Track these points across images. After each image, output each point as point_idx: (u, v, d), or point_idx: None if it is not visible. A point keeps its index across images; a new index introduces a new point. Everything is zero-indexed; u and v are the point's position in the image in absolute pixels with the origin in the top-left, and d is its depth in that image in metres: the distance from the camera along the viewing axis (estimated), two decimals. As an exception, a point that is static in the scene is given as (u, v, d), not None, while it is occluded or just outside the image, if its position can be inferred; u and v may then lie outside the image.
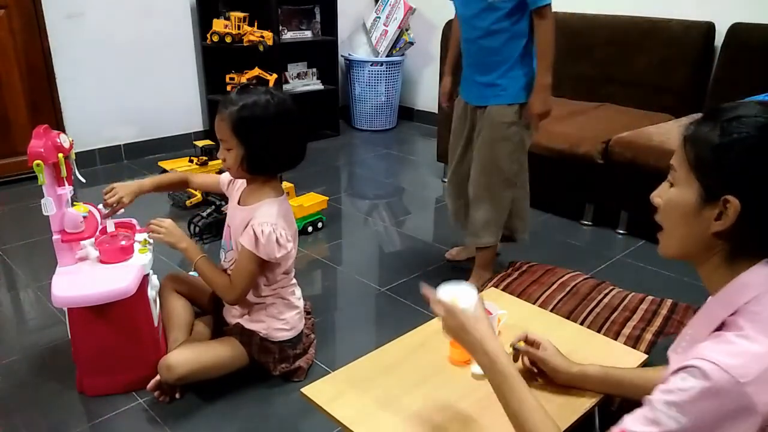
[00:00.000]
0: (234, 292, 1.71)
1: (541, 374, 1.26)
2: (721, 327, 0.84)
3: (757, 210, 0.81)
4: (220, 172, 3.11)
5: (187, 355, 1.70)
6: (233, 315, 1.82)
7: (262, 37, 3.87)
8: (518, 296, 1.78)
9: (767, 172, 0.79)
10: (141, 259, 1.75)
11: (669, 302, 1.81)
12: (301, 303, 1.87)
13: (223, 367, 1.74)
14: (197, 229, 2.76)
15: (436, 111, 3.53)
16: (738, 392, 0.74)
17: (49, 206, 1.64)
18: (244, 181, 1.77)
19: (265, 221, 1.64)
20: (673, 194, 0.89)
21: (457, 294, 1.07)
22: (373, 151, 4.28)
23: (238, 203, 1.76)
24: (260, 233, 1.63)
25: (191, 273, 2.24)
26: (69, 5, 3.50)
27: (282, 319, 1.79)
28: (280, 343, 1.79)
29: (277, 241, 1.64)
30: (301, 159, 1.73)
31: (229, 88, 4.06)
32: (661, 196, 0.93)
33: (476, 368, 1.18)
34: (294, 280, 1.85)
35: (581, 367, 1.23)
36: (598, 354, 1.34)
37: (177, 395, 1.75)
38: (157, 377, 1.71)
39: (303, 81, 4.44)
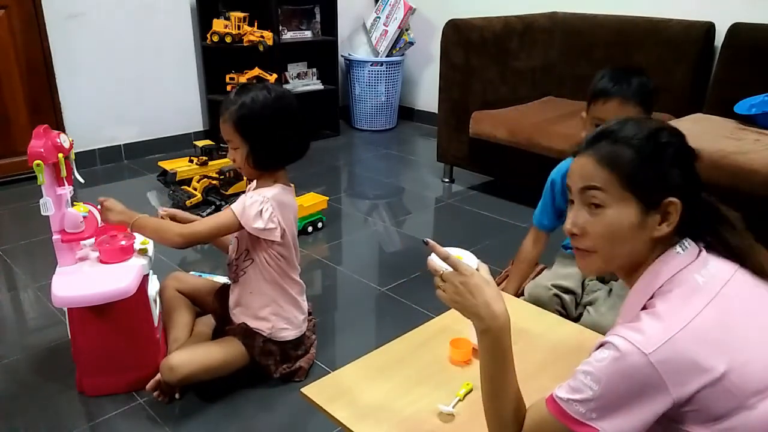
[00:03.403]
0: (187, 230, 1.66)
1: None
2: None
3: (692, 199, 0.91)
4: (219, 172, 3.15)
5: (190, 356, 1.70)
6: (240, 313, 1.81)
7: (262, 37, 3.87)
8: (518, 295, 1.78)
9: (688, 167, 0.91)
10: (141, 259, 1.75)
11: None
12: (306, 306, 1.87)
13: (225, 368, 1.74)
14: (197, 229, 2.75)
15: (436, 111, 3.52)
16: (644, 363, 0.79)
17: (47, 206, 1.63)
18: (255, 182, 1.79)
19: (257, 193, 1.68)
20: (611, 216, 0.91)
21: (462, 254, 1.00)
22: (373, 151, 4.28)
23: None
24: (247, 198, 1.67)
25: (192, 273, 2.25)
26: (69, 5, 3.50)
27: (286, 317, 1.79)
28: (282, 344, 1.79)
29: (261, 212, 1.65)
30: (305, 150, 1.74)
31: (229, 88, 4.06)
32: (585, 224, 0.94)
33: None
34: (301, 282, 1.86)
35: None
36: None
37: (176, 395, 1.74)
38: (156, 377, 1.71)
39: (303, 81, 4.44)
